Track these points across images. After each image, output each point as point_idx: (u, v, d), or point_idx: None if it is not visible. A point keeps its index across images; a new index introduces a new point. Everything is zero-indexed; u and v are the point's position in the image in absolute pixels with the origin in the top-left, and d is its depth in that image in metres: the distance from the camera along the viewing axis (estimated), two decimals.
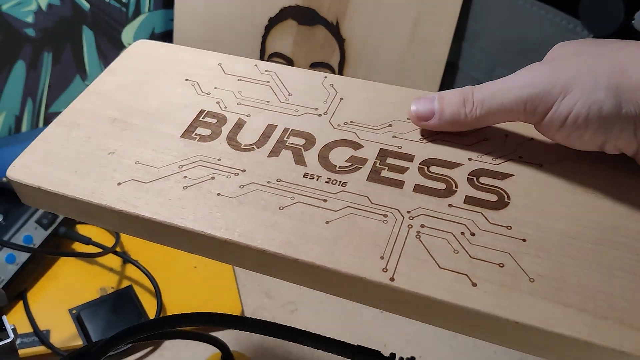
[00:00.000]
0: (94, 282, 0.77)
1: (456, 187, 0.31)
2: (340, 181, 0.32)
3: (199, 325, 0.34)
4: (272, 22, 0.89)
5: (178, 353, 0.71)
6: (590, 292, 0.26)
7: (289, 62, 0.91)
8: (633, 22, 0.59)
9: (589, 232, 0.29)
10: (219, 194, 0.32)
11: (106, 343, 0.36)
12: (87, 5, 0.81)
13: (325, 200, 0.31)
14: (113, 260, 0.78)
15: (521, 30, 0.77)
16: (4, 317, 0.40)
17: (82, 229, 0.80)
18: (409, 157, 0.33)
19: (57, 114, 0.82)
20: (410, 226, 0.29)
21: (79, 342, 0.70)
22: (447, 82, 0.90)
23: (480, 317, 0.26)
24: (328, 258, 0.28)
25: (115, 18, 0.84)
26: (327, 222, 0.30)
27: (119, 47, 0.87)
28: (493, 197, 0.31)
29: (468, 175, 0.32)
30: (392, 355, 0.32)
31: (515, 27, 0.77)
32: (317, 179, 0.32)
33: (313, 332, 0.33)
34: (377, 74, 0.90)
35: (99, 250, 0.75)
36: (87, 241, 0.76)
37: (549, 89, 0.29)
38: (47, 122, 0.82)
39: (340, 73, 0.90)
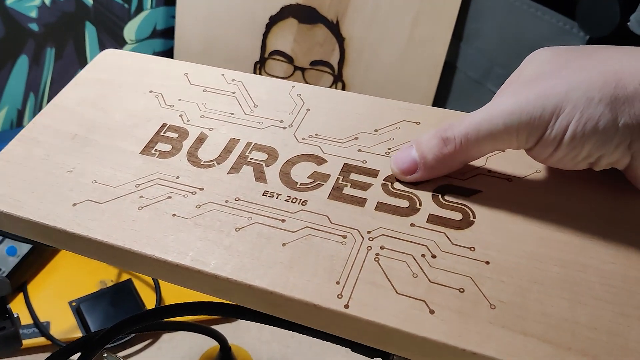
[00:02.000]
0: (93, 275, 0.78)
1: (420, 204, 0.30)
2: (300, 199, 0.31)
3: (202, 314, 0.35)
4: (273, 20, 0.90)
5: (176, 346, 0.72)
6: (554, 321, 0.25)
7: (289, 60, 0.92)
8: (629, 24, 0.58)
9: (555, 253, 0.27)
10: (174, 215, 0.31)
11: (108, 331, 0.37)
12: (90, 1, 0.82)
13: (283, 221, 0.30)
14: None
15: (518, 30, 0.76)
16: (9, 306, 0.40)
17: None
18: (374, 173, 0.32)
19: None
20: (369, 248, 0.28)
21: (78, 334, 0.72)
22: (445, 81, 0.90)
23: (436, 347, 0.25)
24: (282, 284, 0.27)
25: (117, 14, 0.85)
26: (283, 245, 0.29)
27: (121, 43, 0.87)
28: (458, 216, 0.29)
29: (433, 192, 0.30)
30: None
31: (512, 28, 0.77)
32: (277, 197, 0.31)
33: None
34: (376, 73, 0.91)
35: None
36: None
37: (540, 112, 0.27)
38: None
39: (340, 71, 0.91)
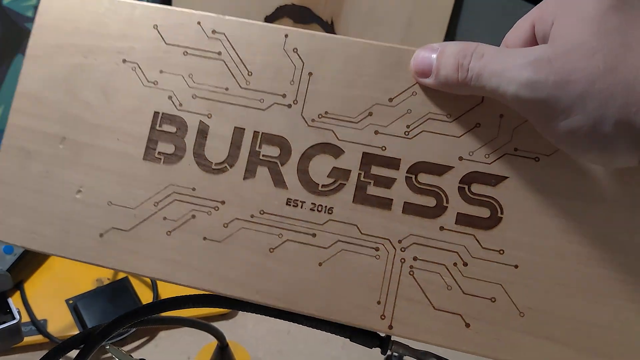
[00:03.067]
0: (90, 273, 0.78)
1: (447, 202, 0.30)
2: (326, 207, 0.30)
3: (200, 306, 0.36)
4: (268, 21, 0.90)
5: (173, 343, 0.72)
6: (576, 324, 0.28)
7: None
8: None
9: (581, 249, 0.28)
10: (205, 238, 0.31)
11: (109, 325, 0.38)
12: None
13: (314, 235, 0.30)
14: None
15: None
16: (10, 300, 0.42)
17: None
18: (395, 163, 0.30)
19: None
20: (402, 260, 0.29)
21: (76, 332, 0.72)
22: None
23: (471, 357, 0.29)
24: (328, 309, 0.30)
25: None
26: (319, 264, 0.30)
27: None
28: (485, 212, 0.29)
29: (459, 183, 0.30)
30: (388, 335, 0.35)
31: (504, 29, 0.69)
32: (302, 207, 0.31)
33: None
34: None
35: None
36: None
37: (553, 103, 0.25)
38: None
39: None
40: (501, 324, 0.28)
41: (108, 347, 0.42)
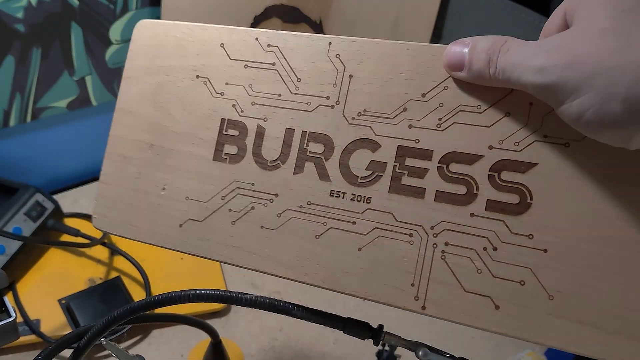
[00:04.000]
0: (82, 273, 0.78)
1: (477, 189, 0.31)
2: (364, 197, 0.33)
3: (197, 302, 0.37)
4: (257, 20, 0.90)
5: (166, 341, 0.72)
6: (607, 307, 0.28)
7: None
8: None
9: (611, 233, 0.28)
10: (262, 227, 0.35)
11: (105, 322, 0.39)
12: (76, 2, 0.80)
13: (354, 223, 0.33)
14: (101, 252, 0.80)
15: (496, 29, 0.76)
16: (5, 298, 0.44)
17: (70, 222, 0.84)
18: (428, 155, 0.32)
19: (44, 108, 0.86)
20: (435, 245, 0.31)
21: (69, 331, 0.71)
22: None
23: (501, 337, 0.30)
24: (366, 290, 0.32)
25: (103, 15, 0.84)
26: (359, 249, 0.33)
27: (107, 43, 0.87)
28: (515, 199, 0.30)
29: (489, 171, 0.31)
30: (381, 326, 0.36)
31: (490, 26, 0.79)
32: (343, 197, 0.34)
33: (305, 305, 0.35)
34: None
35: (87, 241, 0.77)
36: (76, 233, 0.78)
37: (562, 84, 0.26)
38: (34, 117, 0.86)
39: None
40: (530, 306, 0.29)
41: (104, 342, 0.42)
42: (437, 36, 0.87)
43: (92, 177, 0.96)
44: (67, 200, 0.90)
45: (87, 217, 0.86)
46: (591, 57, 0.25)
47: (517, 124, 0.31)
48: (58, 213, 0.81)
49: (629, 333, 0.27)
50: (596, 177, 0.29)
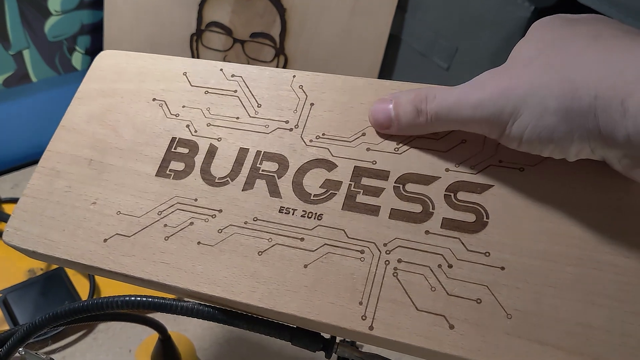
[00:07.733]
0: (21, 263, 0.71)
1: (433, 207, 0.30)
2: (316, 214, 0.31)
3: (127, 309, 0.32)
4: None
5: (113, 336, 0.68)
6: (567, 326, 0.26)
7: (228, 31, 0.87)
8: None
9: (570, 251, 0.27)
10: (199, 243, 0.32)
11: (32, 327, 0.34)
12: None
13: (302, 239, 0.31)
14: None
15: (462, 1, 0.74)
16: None
17: (9, 208, 0.78)
18: (384, 175, 0.32)
19: None
20: (387, 262, 0.29)
21: (5, 328, 0.66)
22: (390, 54, 0.87)
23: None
24: (308, 308, 0.29)
25: None
26: (305, 266, 0.30)
27: (45, 14, 0.81)
28: (471, 217, 0.29)
29: (445, 191, 0.30)
30: (333, 337, 0.32)
31: None
32: (293, 213, 0.32)
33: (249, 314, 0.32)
34: (319, 45, 0.87)
35: None
36: None
37: (499, 112, 0.27)
38: None
39: (282, 44, 0.88)
40: (487, 325, 0.27)
41: (24, 352, 0.37)
42: (402, 9, 0.83)
43: (34, 159, 0.86)
44: (7, 185, 0.84)
45: None
46: (521, 81, 0.27)
47: (472, 149, 0.31)
48: None
49: (590, 353, 0.25)
50: (551, 198, 0.29)
